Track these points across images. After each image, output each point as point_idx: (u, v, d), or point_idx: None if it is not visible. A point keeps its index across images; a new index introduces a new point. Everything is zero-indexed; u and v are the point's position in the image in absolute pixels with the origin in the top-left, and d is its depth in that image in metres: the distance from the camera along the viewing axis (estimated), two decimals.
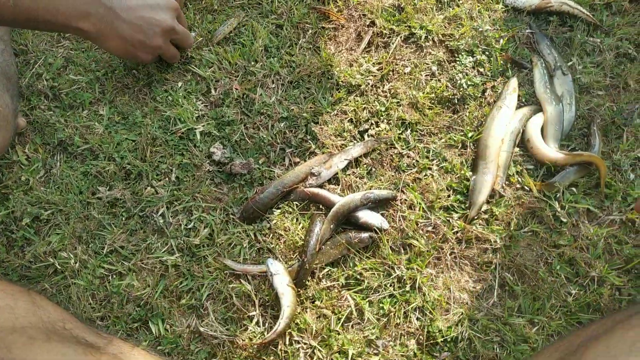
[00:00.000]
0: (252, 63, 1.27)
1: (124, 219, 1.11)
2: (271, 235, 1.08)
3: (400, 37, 1.27)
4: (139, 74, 1.26)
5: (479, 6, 1.30)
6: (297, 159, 1.14)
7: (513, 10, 1.28)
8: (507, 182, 1.05)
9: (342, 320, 0.98)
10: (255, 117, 1.19)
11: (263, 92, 1.22)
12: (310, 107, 1.19)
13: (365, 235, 1.01)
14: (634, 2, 1.26)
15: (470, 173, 1.06)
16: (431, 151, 1.11)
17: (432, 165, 1.09)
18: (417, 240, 1.01)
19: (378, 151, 1.12)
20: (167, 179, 1.14)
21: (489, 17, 1.27)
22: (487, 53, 1.21)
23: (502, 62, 1.19)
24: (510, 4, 1.27)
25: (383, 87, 1.21)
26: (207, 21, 1.34)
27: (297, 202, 1.10)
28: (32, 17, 0.94)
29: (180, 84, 1.25)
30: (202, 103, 1.23)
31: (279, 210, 1.10)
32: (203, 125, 1.19)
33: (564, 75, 1.15)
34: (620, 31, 1.22)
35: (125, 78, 1.27)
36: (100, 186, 1.14)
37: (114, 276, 1.06)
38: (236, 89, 1.23)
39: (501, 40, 1.22)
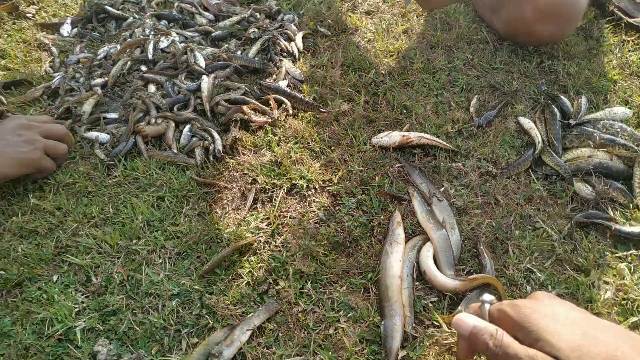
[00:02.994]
0: (135, 241, 1.20)
1: None
2: None
3: (283, 190, 1.29)
4: (7, 274, 1.12)
5: (349, 149, 1.39)
6: (196, 339, 1.04)
7: (380, 149, 1.38)
8: (416, 321, 1.03)
9: None
10: (143, 300, 1.09)
11: (149, 270, 1.14)
12: (204, 277, 1.12)
13: None
14: (480, 127, 1.43)
15: (379, 318, 1.03)
16: (335, 301, 1.07)
17: (340, 316, 1.05)
18: None
19: (281, 313, 1.06)
20: None
21: (361, 159, 1.36)
22: (366, 192, 1.27)
23: (381, 198, 1.25)
24: (376, 143, 1.38)
25: (275, 242, 1.19)
26: (82, 204, 1.28)
27: None
28: None
29: (55, 277, 1.13)
30: (82, 294, 1.11)
31: None
32: (84, 321, 1.05)
33: (440, 201, 1.22)
34: (477, 153, 1.36)
35: None
36: None
37: None
38: (119, 272, 1.13)
39: (376, 178, 1.30)
